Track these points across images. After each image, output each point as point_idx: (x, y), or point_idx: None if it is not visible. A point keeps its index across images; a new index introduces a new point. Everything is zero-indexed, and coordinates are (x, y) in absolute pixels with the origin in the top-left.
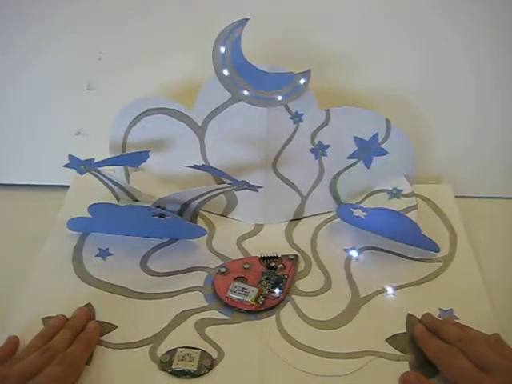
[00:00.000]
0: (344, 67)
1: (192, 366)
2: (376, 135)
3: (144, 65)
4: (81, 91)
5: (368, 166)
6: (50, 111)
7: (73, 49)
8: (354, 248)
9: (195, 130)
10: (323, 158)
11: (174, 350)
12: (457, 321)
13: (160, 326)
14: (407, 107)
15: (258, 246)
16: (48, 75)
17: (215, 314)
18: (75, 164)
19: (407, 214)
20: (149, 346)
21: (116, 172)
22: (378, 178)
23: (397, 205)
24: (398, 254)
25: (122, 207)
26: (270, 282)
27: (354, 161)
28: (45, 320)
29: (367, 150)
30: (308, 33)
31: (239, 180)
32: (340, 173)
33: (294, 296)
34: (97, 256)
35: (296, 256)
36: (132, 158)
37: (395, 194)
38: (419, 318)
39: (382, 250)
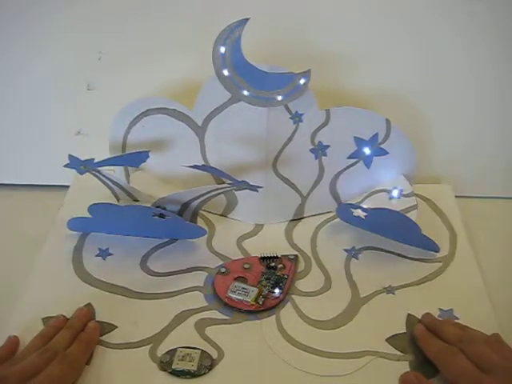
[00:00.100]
0: (344, 67)
1: (192, 366)
2: (376, 135)
3: (144, 65)
4: (81, 91)
5: (368, 166)
6: (50, 111)
7: (73, 49)
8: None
9: (195, 129)
10: (323, 158)
11: (174, 350)
12: (457, 321)
13: (160, 325)
14: (407, 107)
15: (258, 246)
16: (48, 75)
17: (215, 314)
18: (75, 164)
19: (407, 214)
20: (149, 346)
21: (116, 172)
22: (378, 178)
23: (397, 205)
24: (398, 254)
25: (122, 207)
26: (270, 281)
27: (353, 161)
28: (45, 320)
29: (367, 150)
30: (308, 33)
31: (239, 180)
32: (340, 173)
33: (294, 296)
34: (97, 256)
35: (296, 256)
36: (132, 158)
37: (395, 194)
38: (419, 317)
39: (382, 249)
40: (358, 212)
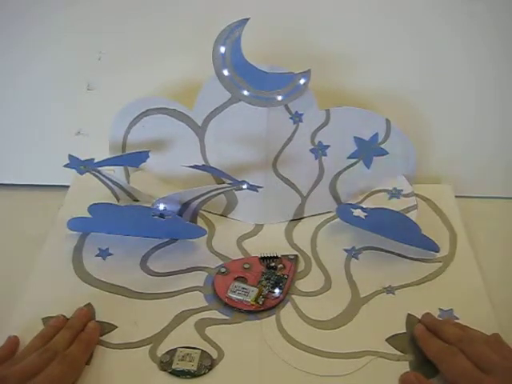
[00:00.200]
0: (344, 67)
1: (192, 366)
2: (376, 135)
3: (144, 65)
4: (81, 91)
5: (368, 166)
6: (50, 111)
7: (73, 49)
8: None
9: (195, 129)
10: (323, 158)
11: (174, 350)
12: (457, 321)
13: (160, 325)
14: (407, 107)
15: (258, 246)
16: (48, 75)
17: (215, 314)
18: (75, 164)
19: (407, 214)
20: (149, 346)
21: (116, 172)
22: (378, 178)
23: (397, 205)
24: (398, 254)
25: (122, 207)
26: (270, 281)
27: (353, 161)
28: (45, 320)
29: (367, 150)
30: (308, 33)
31: (239, 180)
32: (340, 173)
33: (294, 296)
34: (97, 256)
35: (296, 256)
36: (132, 158)
37: (395, 194)
38: (419, 317)
39: (382, 249)
40: (358, 212)
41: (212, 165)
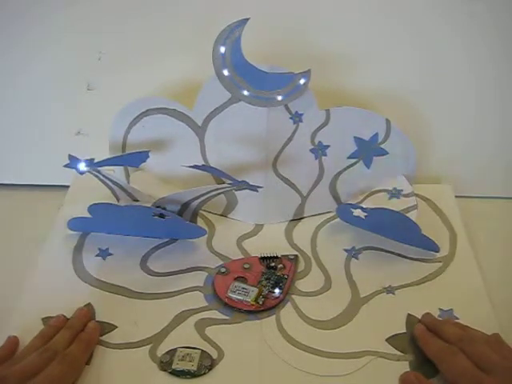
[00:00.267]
0: (344, 67)
1: (192, 366)
2: (376, 135)
3: (144, 65)
4: (81, 91)
5: (368, 166)
6: (50, 111)
7: (73, 49)
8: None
9: (195, 129)
10: (323, 158)
11: (174, 350)
12: (457, 321)
13: (160, 325)
14: (407, 107)
15: (258, 246)
16: (48, 75)
17: (215, 314)
18: (75, 164)
19: (407, 214)
20: (149, 346)
21: (116, 172)
22: (378, 178)
23: (397, 205)
24: (398, 254)
25: (122, 207)
26: (270, 281)
27: (353, 161)
28: (45, 320)
29: (367, 150)
30: (308, 33)
31: (239, 180)
32: (340, 173)
33: (294, 296)
34: (97, 256)
35: (296, 256)
36: (132, 158)
37: (395, 194)
38: (419, 317)
39: (382, 249)
40: (358, 212)
41: (212, 165)
